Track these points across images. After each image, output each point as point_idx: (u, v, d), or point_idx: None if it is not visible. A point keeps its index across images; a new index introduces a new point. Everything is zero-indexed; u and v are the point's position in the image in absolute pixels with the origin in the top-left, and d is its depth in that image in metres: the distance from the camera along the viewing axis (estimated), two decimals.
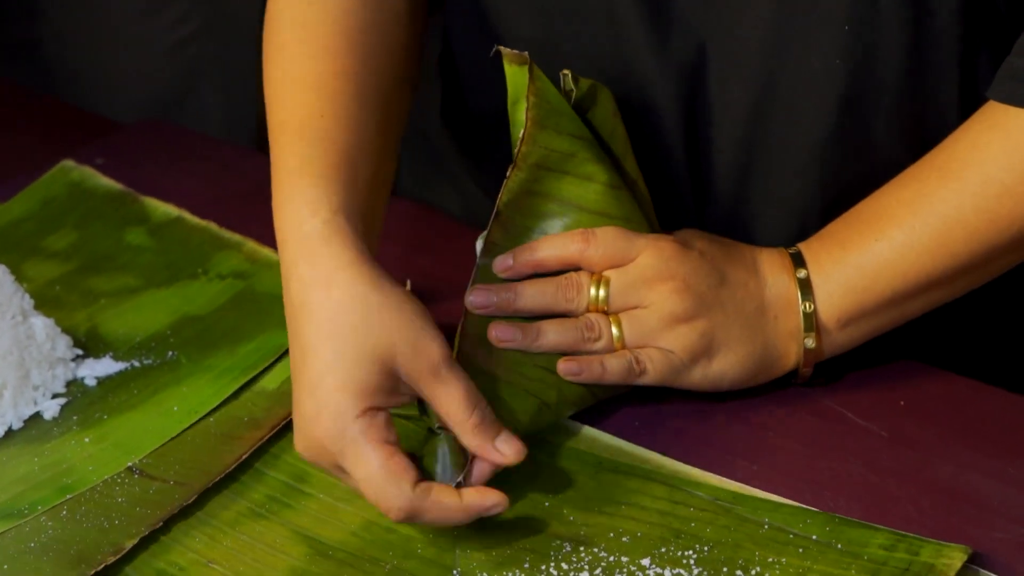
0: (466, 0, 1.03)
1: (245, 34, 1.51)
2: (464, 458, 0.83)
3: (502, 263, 0.89)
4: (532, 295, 0.89)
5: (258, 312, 1.02)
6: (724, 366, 0.90)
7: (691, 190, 1.00)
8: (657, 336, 0.89)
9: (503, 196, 0.89)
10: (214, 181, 1.19)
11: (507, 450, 0.83)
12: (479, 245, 0.91)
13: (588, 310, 0.89)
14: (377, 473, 0.79)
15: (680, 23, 0.94)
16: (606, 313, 0.90)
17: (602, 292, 0.89)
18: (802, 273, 0.91)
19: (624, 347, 0.89)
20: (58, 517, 0.86)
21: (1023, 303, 1.07)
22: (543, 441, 0.90)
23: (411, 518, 0.80)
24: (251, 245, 1.08)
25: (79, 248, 1.11)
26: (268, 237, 1.07)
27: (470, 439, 0.82)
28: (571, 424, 0.92)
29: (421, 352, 0.81)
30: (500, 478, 0.85)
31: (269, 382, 0.95)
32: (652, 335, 0.89)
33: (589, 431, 0.91)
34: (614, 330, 0.89)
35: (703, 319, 0.89)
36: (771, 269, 0.91)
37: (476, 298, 0.89)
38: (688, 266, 0.90)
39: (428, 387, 0.82)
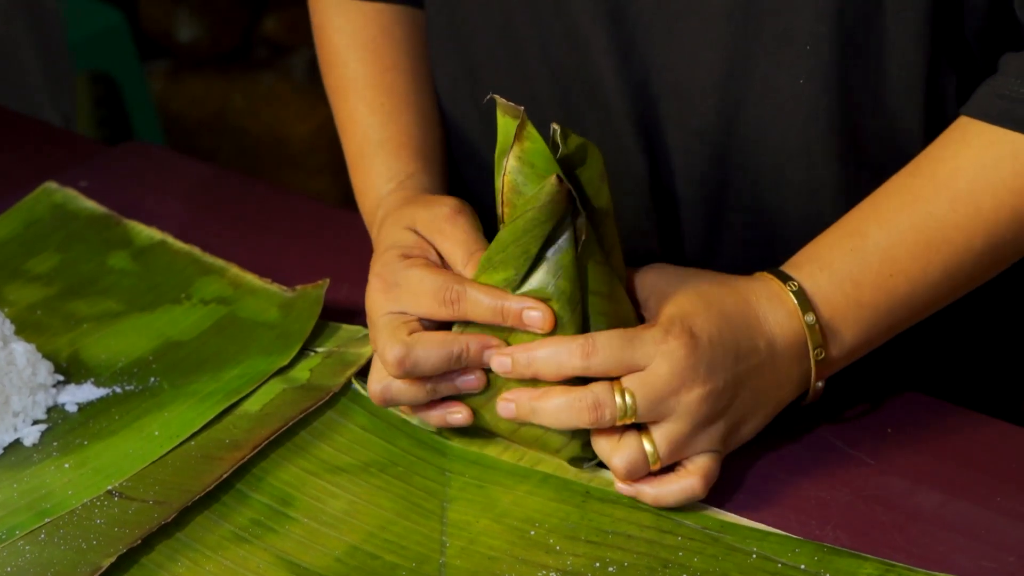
0: (437, 17, 1.04)
1: None
2: None
3: (500, 365, 0.87)
4: (554, 411, 0.86)
5: (241, 338, 1.01)
6: (748, 431, 0.89)
7: (656, 211, 0.99)
8: (693, 444, 0.86)
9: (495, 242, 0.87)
10: (198, 204, 1.19)
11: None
12: None
13: (614, 422, 0.85)
14: (427, 277, 0.88)
15: (640, 46, 0.94)
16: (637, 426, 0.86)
17: (628, 400, 0.84)
18: (810, 318, 0.87)
19: (658, 459, 0.86)
20: (36, 540, 0.85)
21: (1007, 331, 1.07)
22: (529, 471, 0.90)
23: (461, 300, 0.87)
24: (234, 270, 1.07)
25: (61, 272, 1.10)
26: (251, 261, 1.08)
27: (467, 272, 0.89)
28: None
29: (434, 205, 0.92)
30: (486, 504, 0.84)
31: (251, 405, 0.95)
32: (688, 446, 0.86)
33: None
34: (647, 446, 0.85)
35: (730, 409, 0.86)
36: (776, 320, 0.87)
37: (500, 404, 0.88)
38: (705, 364, 0.84)
39: (441, 231, 0.91)
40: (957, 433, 0.92)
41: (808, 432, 0.92)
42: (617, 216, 0.91)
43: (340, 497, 0.89)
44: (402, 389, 0.88)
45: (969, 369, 1.07)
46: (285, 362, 0.97)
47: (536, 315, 0.86)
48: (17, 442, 0.93)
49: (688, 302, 0.86)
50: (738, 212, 0.98)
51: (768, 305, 0.88)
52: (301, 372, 0.97)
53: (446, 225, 0.91)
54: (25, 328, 1.00)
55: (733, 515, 0.86)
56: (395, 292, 0.89)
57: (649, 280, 0.89)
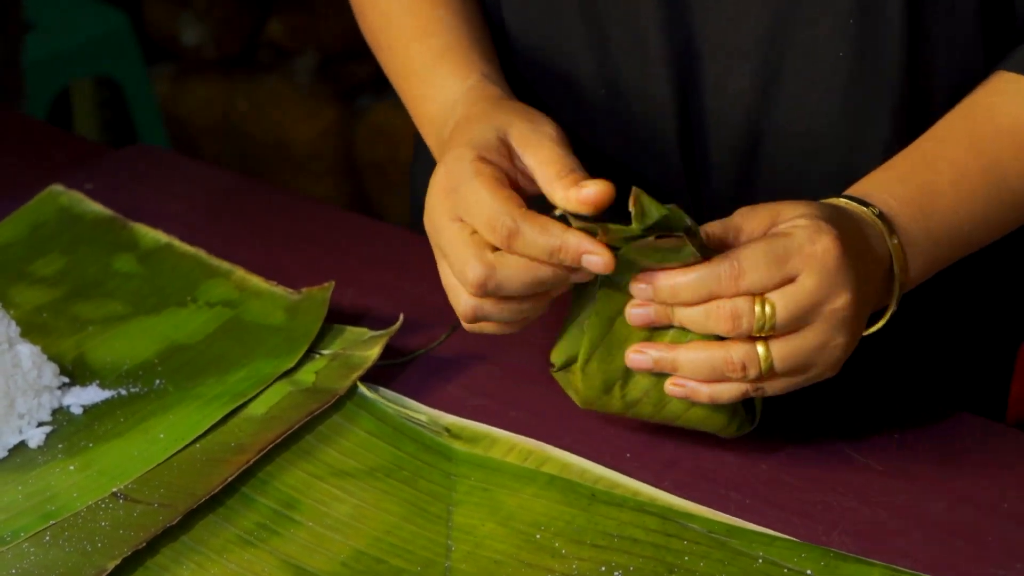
0: None
1: None
2: None
3: (640, 292, 0.84)
4: (692, 317, 0.84)
5: (246, 341, 1.01)
6: (850, 351, 0.86)
7: (685, 175, 0.99)
8: (813, 359, 0.84)
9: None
10: (203, 207, 1.19)
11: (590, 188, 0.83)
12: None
13: (751, 333, 0.83)
14: (486, 199, 0.83)
15: (687, 4, 0.94)
16: (764, 338, 0.83)
17: (768, 311, 0.82)
18: (895, 240, 0.87)
19: (771, 368, 0.84)
20: (40, 543, 0.85)
21: (989, 331, 1.08)
22: (534, 473, 0.90)
23: (512, 237, 0.82)
24: (240, 273, 1.07)
25: (67, 274, 1.09)
26: (257, 265, 1.08)
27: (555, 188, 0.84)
28: (563, 455, 0.91)
29: (538, 121, 0.88)
30: (491, 507, 0.84)
31: (256, 408, 0.94)
32: (807, 360, 0.84)
33: (582, 462, 0.90)
34: (760, 352, 0.83)
35: (855, 322, 0.84)
36: (878, 243, 0.87)
37: (634, 309, 0.85)
38: (850, 270, 0.83)
39: (537, 145, 0.86)
40: (964, 439, 0.92)
41: (815, 437, 0.92)
42: (642, 177, 0.92)
43: (345, 501, 0.88)
44: (493, 310, 0.85)
45: (952, 368, 1.07)
46: (291, 364, 0.97)
47: (596, 260, 0.82)
48: (22, 444, 0.93)
49: (818, 209, 0.85)
50: (768, 181, 0.97)
51: (873, 231, 0.87)
52: (307, 375, 0.97)
53: (546, 142, 0.86)
54: (31, 330, 1.00)
55: (739, 519, 0.86)
56: (454, 198, 0.85)
57: (756, 213, 0.86)
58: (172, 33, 2.68)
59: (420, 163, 1.12)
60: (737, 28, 0.93)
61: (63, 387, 0.97)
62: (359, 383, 0.96)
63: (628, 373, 0.87)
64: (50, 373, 0.96)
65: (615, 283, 0.85)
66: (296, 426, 0.92)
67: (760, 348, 0.83)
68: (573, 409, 0.94)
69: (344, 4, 1.09)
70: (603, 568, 0.83)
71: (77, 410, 0.96)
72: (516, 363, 0.99)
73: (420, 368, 0.99)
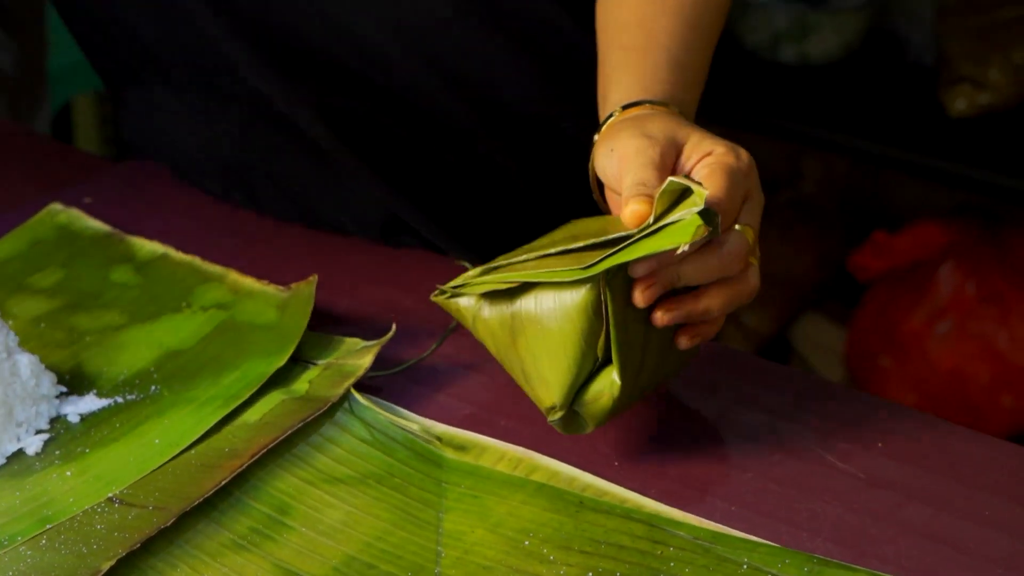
0: None
1: None
2: None
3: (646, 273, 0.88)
4: (703, 276, 0.89)
5: (240, 341, 1.02)
6: None
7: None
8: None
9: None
10: (200, 220, 1.20)
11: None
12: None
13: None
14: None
15: None
16: None
17: (751, 233, 0.90)
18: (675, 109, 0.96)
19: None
20: (37, 546, 0.86)
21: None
22: (523, 480, 0.91)
23: None
24: (234, 276, 1.08)
25: (65, 286, 1.11)
26: (251, 270, 1.09)
27: None
28: (552, 463, 0.92)
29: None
30: (481, 514, 0.85)
31: (250, 415, 0.96)
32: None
33: (570, 470, 0.91)
34: (755, 264, 0.91)
35: None
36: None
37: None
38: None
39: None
40: (946, 447, 0.94)
41: (799, 446, 0.93)
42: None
43: (337, 507, 0.90)
44: None
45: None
46: (282, 362, 0.98)
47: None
48: (20, 451, 0.94)
49: (695, 127, 0.93)
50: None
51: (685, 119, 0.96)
52: (300, 383, 0.98)
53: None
54: (29, 340, 1.01)
55: (724, 526, 0.87)
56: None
57: (656, 150, 0.91)
58: None
59: None
60: None
61: (61, 396, 0.98)
62: (352, 391, 0.97)
63: (644, 363, 0.89)
64: (48, 382, 0.97)
65: (617, 288, 0.87)
66: (289, 432, 0.93)
67: (753, 261, 0.90)
68: None
69: None
70: (590, 574, 0.84)
71: (74, 418, 0.97)
72: (506, 373, 1.00)
73: (412, 377, 1.00)
